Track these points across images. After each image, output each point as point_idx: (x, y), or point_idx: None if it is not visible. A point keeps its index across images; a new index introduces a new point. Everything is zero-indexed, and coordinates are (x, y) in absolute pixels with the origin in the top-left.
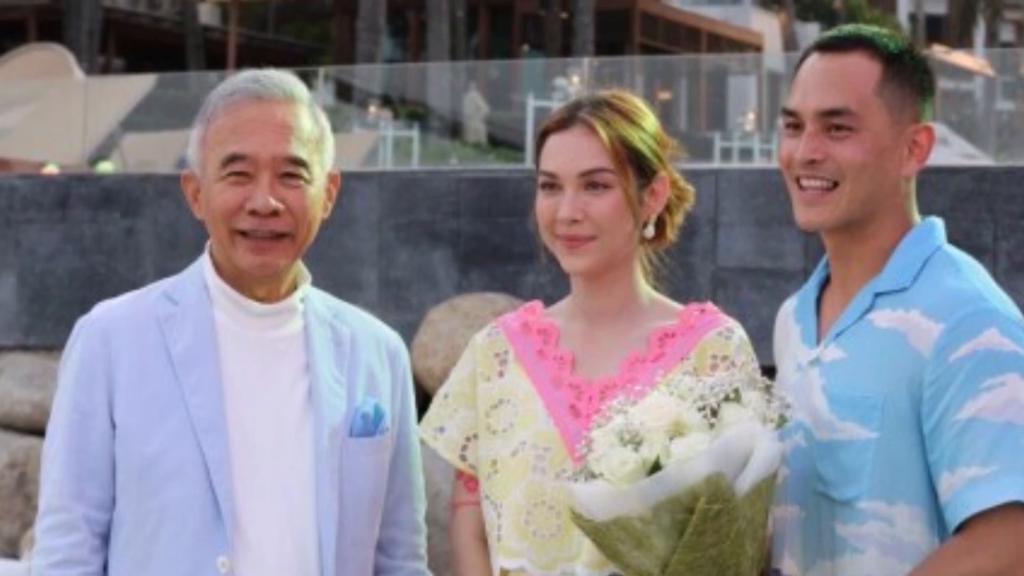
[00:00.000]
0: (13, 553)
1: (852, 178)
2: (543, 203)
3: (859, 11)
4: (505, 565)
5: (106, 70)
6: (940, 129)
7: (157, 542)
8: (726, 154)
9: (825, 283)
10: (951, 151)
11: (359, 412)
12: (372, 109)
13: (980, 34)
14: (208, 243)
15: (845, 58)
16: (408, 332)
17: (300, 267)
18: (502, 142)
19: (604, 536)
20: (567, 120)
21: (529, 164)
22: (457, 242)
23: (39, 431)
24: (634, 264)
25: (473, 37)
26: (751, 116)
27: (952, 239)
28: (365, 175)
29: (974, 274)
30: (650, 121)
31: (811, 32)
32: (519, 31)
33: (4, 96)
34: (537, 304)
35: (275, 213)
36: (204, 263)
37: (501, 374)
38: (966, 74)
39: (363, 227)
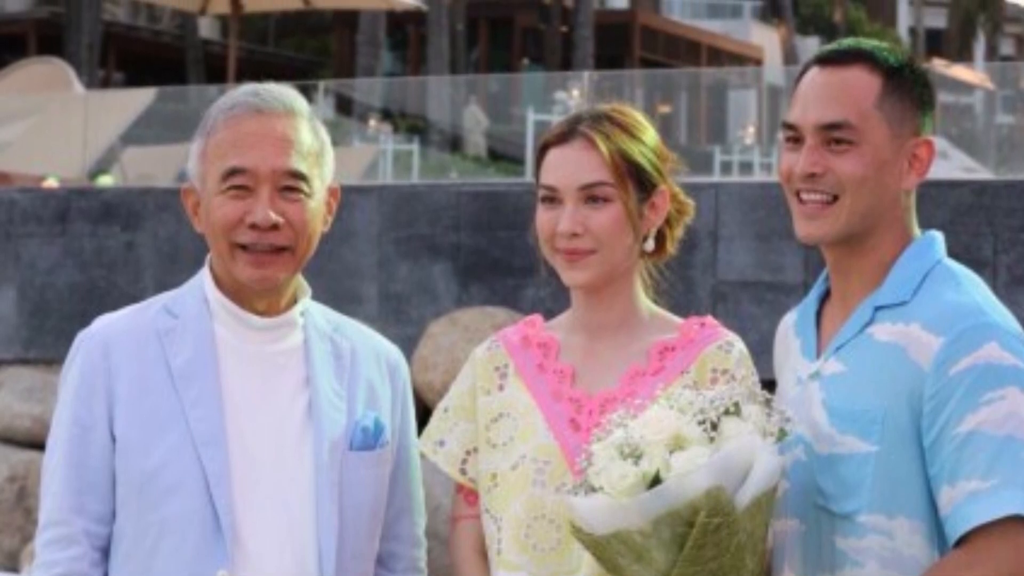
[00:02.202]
0: (13, 567)
1: (852, 192)
2: (543, 217)
3: (859, 25)
4: None
5: (106, 84)
6: (940, 143)
7: (157, 556)
8: (726, 168)
9: (825, 297)
10: (951, 165)
11: (359, 425)
12: (372, 123)
13: (980, 48)
14: (208, 257)
15: (845, 72)
16: (408, 346)
17: (300, 281)
18: (502, 156)
19: (604, 550)
20: (567, 134)
21: (529, 178)
22: (457, 256)
23: (39, 445)
24: (634, 278)
25: (473, 51)
26: (751, 130)
27: (952, 253)
28: (365, 189)
29: (974, 288)
30: (650, 135)
31: (811, 46)
32: (519, 45)
33: (4, 110)
34: (537, 318)
35: (275, 227)
36: (204, 277)
37: (501, 388)
38: (966, 88)
39: (363, 241)
